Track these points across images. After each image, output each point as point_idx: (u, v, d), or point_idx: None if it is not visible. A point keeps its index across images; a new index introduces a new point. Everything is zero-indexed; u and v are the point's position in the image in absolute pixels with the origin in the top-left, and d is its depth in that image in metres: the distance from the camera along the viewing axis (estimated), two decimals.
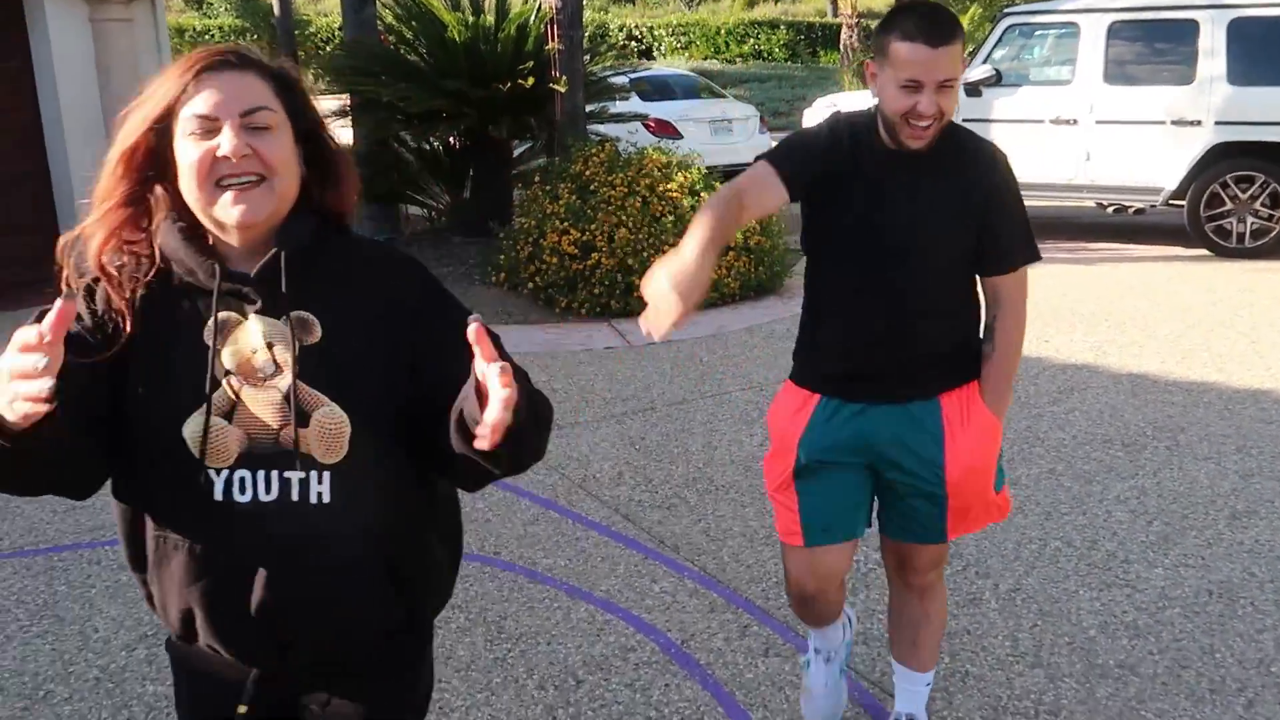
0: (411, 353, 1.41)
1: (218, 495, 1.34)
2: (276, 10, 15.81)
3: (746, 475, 4.21)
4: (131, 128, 1.34)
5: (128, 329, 1.34)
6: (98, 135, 8.40)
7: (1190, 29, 8.37)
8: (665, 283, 1.78)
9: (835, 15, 32.89)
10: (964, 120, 9.27)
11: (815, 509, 2.26)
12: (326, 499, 1.36)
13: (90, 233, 1.35)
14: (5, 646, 3.10)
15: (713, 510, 3.92)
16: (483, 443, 1.20)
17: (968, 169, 2.13)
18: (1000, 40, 9.26)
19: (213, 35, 23.58)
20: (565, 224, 6.93)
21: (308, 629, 1.41)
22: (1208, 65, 8.26)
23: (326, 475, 1.36)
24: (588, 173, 7.31)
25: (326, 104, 12.79)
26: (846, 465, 2.25)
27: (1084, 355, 5.74)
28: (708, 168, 7.73)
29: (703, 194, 7.17)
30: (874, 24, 24.58)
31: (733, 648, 3.01)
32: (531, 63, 7.51)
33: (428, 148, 8.94)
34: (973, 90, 9.22)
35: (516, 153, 8.99)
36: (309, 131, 1.40)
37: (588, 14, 9.73)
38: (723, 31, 29.61)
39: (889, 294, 2.15)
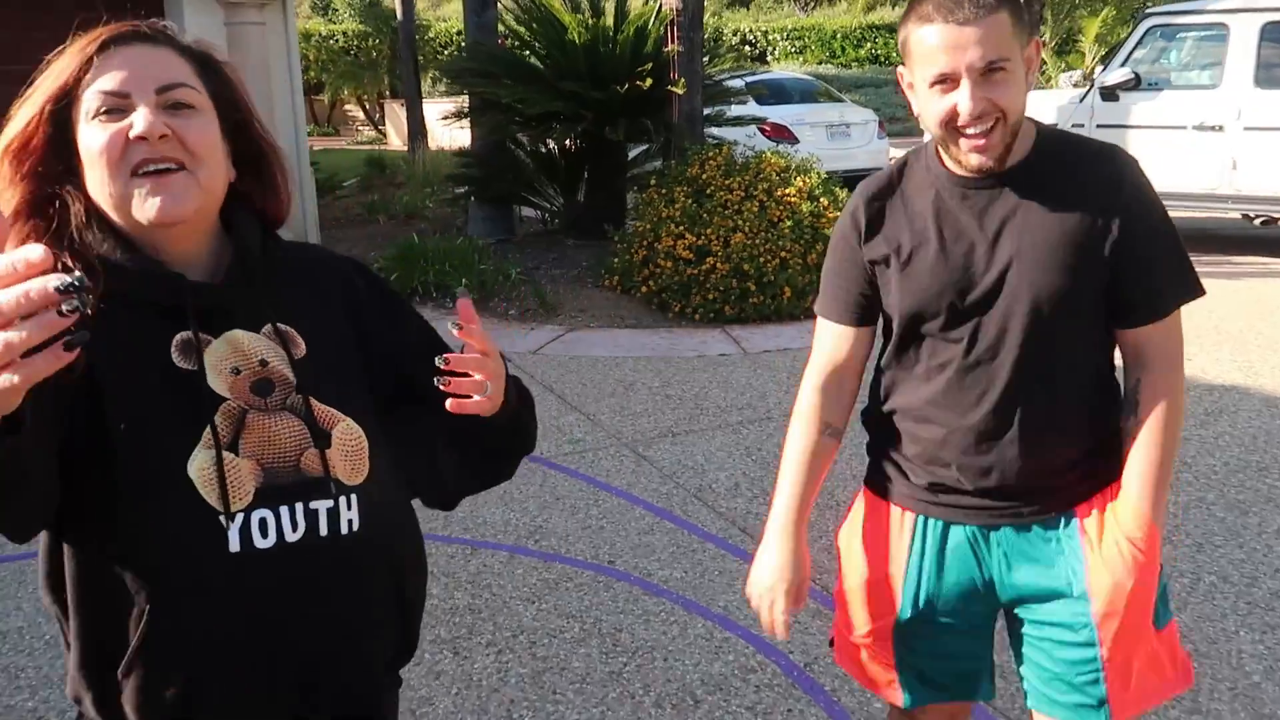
0: (380, 343, 1.31)
1: (234, 546, 1.12)
2: (399, 15, 16.12)
3: None
4: (21, 117, 1.12)
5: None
6: None
7: None
8: (765, 583, 1.74)
9: None
10: (1099, 126, 8.89)
11: (923, 671, 1.75)
12: (356, 526, 1.19)
13: None
14: None
15: (833, 527, 3.76)
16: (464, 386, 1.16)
17: (1083, 185, 1.56)
18: (1140, 42, 8.83)
19: (337, 40, 24.23)
20: (680, 228, 6.84)
21: (333, 673, 1.22)
22: None
23: (354, 499, 1.19)
24: (704, 176, 7.20)
25: (445, 107, 12.99)
26: (966, 620, 1.71)
27: (1232, 376, 5.38)
28: (827, 172, 7.54)
29: (822, 199, 7.00)
30: None
31: None
32: (650, 64, 7.44)
33: (543, 150, 8.95)
34: (1109, 94, 8.82)
35: (631, 156, 8.93)
36: (238, 123, 1.22)
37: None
38: (839, 36, 29.20)
39: (986, 370, 1.59)
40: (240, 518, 1.12)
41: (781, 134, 11.26)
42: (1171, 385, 1.59)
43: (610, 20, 8.01)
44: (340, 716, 1.26)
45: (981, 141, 1.50)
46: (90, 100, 1.11)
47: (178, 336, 1.14)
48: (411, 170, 14.32)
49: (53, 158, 1.13)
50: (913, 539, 1.71)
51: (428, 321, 1.39)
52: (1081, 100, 9.06)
